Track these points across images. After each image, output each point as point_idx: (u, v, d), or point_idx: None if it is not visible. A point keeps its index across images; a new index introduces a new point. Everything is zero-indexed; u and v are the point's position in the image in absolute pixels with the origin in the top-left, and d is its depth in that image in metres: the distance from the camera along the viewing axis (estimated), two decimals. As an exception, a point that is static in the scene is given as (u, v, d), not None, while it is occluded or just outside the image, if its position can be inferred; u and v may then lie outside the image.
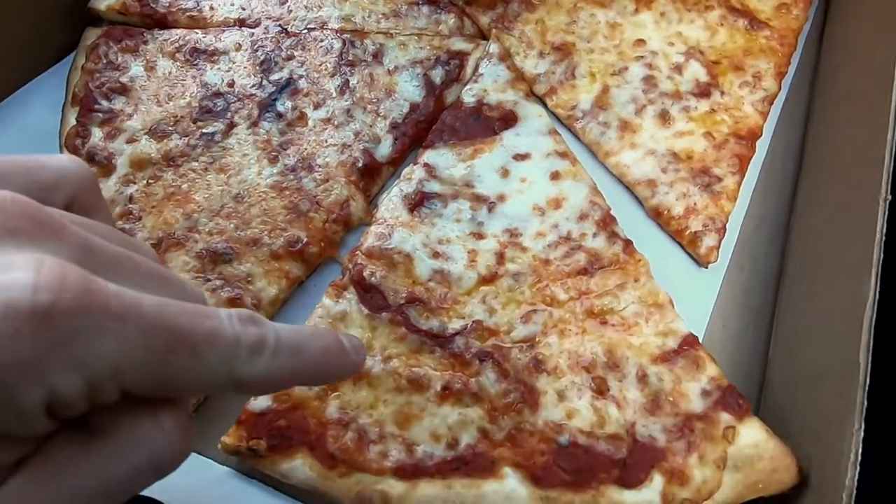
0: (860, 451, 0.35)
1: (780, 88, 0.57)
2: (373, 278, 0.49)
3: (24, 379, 0.17)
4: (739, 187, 0.54)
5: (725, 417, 0.42)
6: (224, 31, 0.60)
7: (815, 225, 0.50)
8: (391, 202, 0.53)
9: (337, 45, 0.60)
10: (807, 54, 0.61)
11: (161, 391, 0.20)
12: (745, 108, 0.56)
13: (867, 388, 0.37)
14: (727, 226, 0.53)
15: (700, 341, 0.47)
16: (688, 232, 0.52)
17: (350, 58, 0.59)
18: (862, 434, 0.36)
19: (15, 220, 0.18)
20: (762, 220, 0.54)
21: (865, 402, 0.36)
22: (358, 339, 0.28)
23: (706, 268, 0.52)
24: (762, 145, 0.56)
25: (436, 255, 0.50)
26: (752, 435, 0.41)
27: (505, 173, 0.54)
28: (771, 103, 0.57)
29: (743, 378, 0.48)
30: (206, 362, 0.20)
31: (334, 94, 0.57)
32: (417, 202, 0.52)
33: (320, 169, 0.54)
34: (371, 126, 0.56)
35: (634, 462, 0.41)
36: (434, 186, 0.53)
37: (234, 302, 0.48)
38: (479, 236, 0.51)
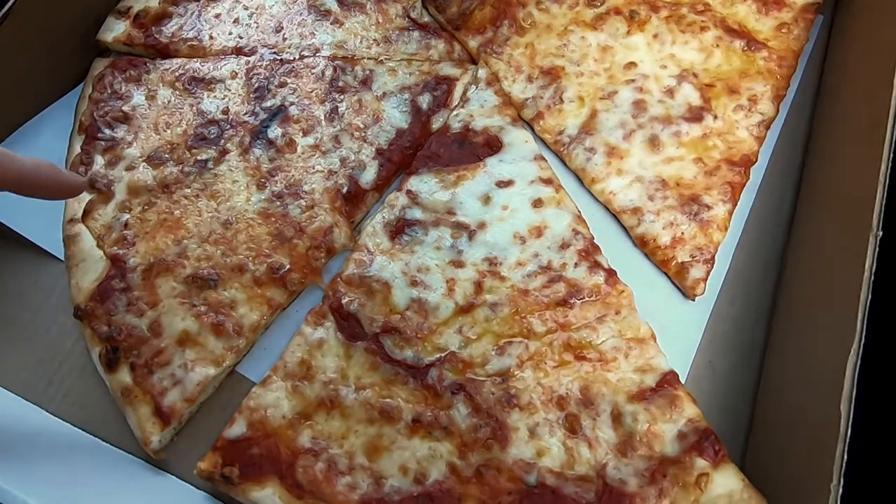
0: (838, 508, 0.33)
1: (777, 112, 0.55)
2: (351, 306, 0.49)
3: None
4: (731, 216, 0.52)
5: (700, 463, 0.40)
6: (222, 59, 0.62)
7: (807, 259, 0.47)
8: (373, 229, 0.53)
9: (328, 72, 0.60)
10: (809, 76, 0.58)
11: None
12: (739, 133, 0.53)
13: (848, 440, 0.34)
14: (717, 257, 0.51)
15: (682, 379, 0.45)
16: (674, 262, 0.50)
17: (340, 84, 0.60)
18: (841, 490, 0.34)
19: None
20: (756, 252, 0.52)
21: (846, 456, 0.34)
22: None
23: (693, 301, 0.50)
24: (758, 171, 0.54)
25: (414, 283, 0.50)
26: (726, 483, 0.39)
27: (487, 200, 0.53)
28: (767, 127, 0.54)
29: (729, 420, 0.46)
30: None
31: (323, 121, 0.58)
32: (398, 229, 0.53)
33: (306, 195, 0.55)
34: (357, 152, 0.57)
35: (602, 506, 0.40)
36: (416, 213, 0.53)
37: (216, 328, 0.50)
38: (459, 265, 0.51)
